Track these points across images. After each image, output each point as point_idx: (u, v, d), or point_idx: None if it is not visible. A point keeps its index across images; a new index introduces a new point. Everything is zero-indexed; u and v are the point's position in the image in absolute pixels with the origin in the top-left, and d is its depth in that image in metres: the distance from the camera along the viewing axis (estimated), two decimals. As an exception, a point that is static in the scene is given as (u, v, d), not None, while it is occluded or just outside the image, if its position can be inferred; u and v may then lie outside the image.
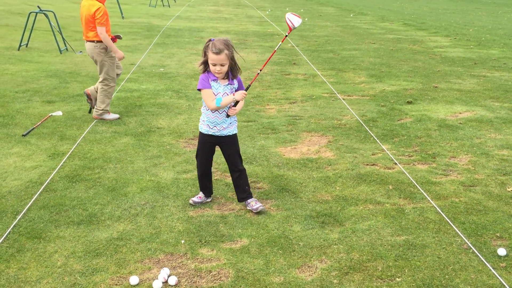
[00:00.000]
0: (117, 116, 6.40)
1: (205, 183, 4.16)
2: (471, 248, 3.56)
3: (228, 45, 3.66)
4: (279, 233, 3.72)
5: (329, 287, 3.10)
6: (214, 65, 3.66)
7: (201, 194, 4.19)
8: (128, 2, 25.47)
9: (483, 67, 10.67)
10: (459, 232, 3.77)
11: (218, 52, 3.60)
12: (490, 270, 3.30)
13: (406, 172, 4.88)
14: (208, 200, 4.22)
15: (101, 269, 3.22)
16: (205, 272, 3.23)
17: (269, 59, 4.25)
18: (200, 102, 7.37)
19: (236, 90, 3.86)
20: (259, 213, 3.98)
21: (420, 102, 7.56)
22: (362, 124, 6.39)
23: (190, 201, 4.13)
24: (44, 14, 11.15)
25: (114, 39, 6.26)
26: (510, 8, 30.41)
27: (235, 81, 3.86)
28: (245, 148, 5.49)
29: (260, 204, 4.02)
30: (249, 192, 4.08)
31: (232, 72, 3.78)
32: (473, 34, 16.51)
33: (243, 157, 5.18)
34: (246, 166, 4.96)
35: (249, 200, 4.06)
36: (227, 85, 3.80)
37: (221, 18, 20.82)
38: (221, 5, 29.22)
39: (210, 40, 3.67)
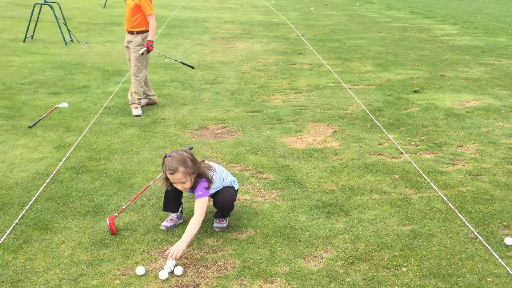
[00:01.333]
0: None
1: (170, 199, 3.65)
2: (478, 238, 3.54)
3: (184, 161, 3.27)
4: (285, 223, 3.72)
5: (335, 277, 3.09)
6: (175, 183, 3.37)
7: (171, 216, 3.69)
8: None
9: (490, 55, 10.56)
10: (466, 222, 3.75)
11: (173, 172, 3.28)
12: (497, 259, 3.28)
13: (412, 162, 4.85)
14: (181, 220, 3.72)
15: (107, 260, 3.24)
16: (211, 262, 3.24)
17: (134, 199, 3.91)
18: (205, 93, 7.37)
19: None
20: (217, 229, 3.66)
21: (426, 91, 7.51)
22: (368, 114, 6.35)
23: (162, 227, 3.62)
24: (49, 5, 11.14)
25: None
26: (518, -5, 30.02)
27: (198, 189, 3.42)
28: (250, 138, 5.48)
29: (224, 226, 3.66)
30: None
31: (195, 186, 3.40)
32: (480, 21, 16.33)
33: (248, 147, 5.18)
34: (251, 157, 4.96)
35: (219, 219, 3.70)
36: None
37: (226, 8, 20.72)
38: (226, -5, 29.05)
39: (166, 156, 3.34)
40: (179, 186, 3.40)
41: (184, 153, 3.36)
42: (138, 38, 6.18)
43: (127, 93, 6.60)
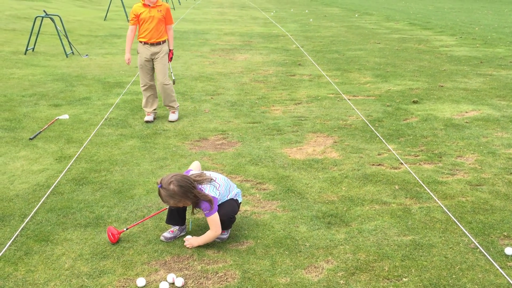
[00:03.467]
0: (148, 118, 6.48)
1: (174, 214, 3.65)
2: (478, 248, 3.54)
3: (172, 195, 3.27)
4: (285, 234, 3.72)
5: (335, 288, 3.09)
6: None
7: (173, 227, 3.70)
8: (132, 5, 25.57)
9: (489, 65, 10.62)
10: (466, 232, 3.76)
11: (167, 203, 3.39)
12: (497, 269, 3.29)
13: (412, 172, 4.86)
14: (183, 233, 3.73)
15: (108, 271, 3.24)
16: (211, 273, 3.24)
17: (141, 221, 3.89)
18: (205, 104, 7.40)
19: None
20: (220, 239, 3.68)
21: (426, 102, 7.54)
22: (367, 124, 6.38)
23: (162, 238, 3.63)
24: (50, 18, 11.22)
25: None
26: (516, 6, 30.23)
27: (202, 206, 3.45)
28: (250, 149, 5.49)
29: (225, 237, 3.67)
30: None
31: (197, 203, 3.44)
32: (479, 32, 16.44)
33: (248, 158, 5.20)
34: (251, 168, 4.97)
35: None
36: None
37: (226, 20, 20.85)
38: (226, 7, 29.27)
39: (158, 186, 3.34)
40: (180, 205, 3.45)
41: (171, 185, 3.27)
42: (165, 47, 6.37)
43: (127, 104, 6.62)
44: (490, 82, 8.96)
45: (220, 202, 3.55)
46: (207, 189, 3.44)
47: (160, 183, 3.33)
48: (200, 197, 3.37)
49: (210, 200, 3.39)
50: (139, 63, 6.35)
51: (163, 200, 3.39)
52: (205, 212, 3.42)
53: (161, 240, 3.61)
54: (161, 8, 6.22)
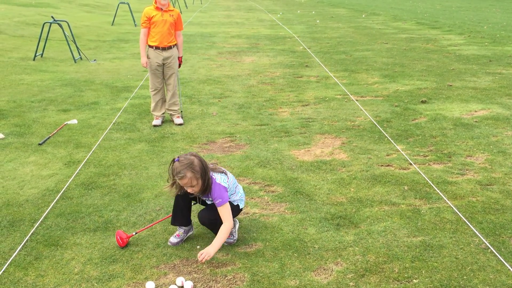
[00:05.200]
0: (156, 122, 6.52)
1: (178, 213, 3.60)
2: (489, 248, 3.50)
3: (191, 165, 3.23)
4: (294, 236, 3.71)
5: (345, 290, 3.07)
6: (184, 186, 3.35)
7: (178, 231, 3.66)
8: (140, 9, 25.71)
9: (498, 64, 10.53)
10: (477, 232, 3.72)
11: (181, 177, 3.24)
12: (509, 269, 3.25)
13: (421, 172, 4.83)
14: (191, 232, 3.71)
15: (117, 275, 3.25)
16: (220, 276, 3.24)
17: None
18: (213, 107, 7.41)
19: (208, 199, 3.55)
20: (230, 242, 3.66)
21: (434, 101, 7.49)
22: (376, 125, 6.35)
23: (169, 243, 3.62)
24: (58, 24, 11.31)
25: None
26: (525, 4, 29.99)
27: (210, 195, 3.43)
28: (258, 151, 5.49)
29: (231, 241, 3.63)
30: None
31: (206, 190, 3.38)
32: (487, 31, 16.31)
33: (256, 161, 5.19)
34: (260, 170, 4.96)
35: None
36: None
37: (233, 22, 20.89)
38: (233, 9, 29.33)
39: (173, 161, 3.31)
40: (189, 190, 3.34)
41: (192, 157, 3.29)
42: (175, 52, 6.44)
43: (135, 108, 6.64)
44: (499, 80, 8.88)
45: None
46: (218, 178, 3.40)
47: (176, 158, 3.30)
48: (207, 185, 3.32)
49: (221, 189, 3.34)
50: (150, 68, 6.37)
51: (175, 175, 3.25)
52: (216, 202, 3.35)
53: (168, 245, 3.60)
54: (173, 13, 6.27)
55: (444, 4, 30.59)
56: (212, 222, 3.50)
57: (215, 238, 3.33)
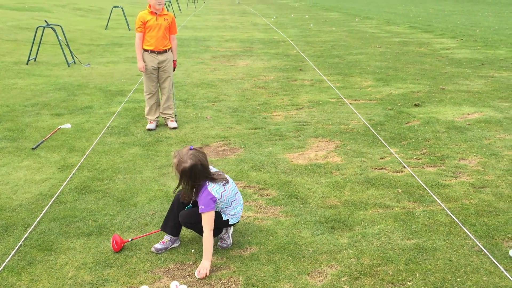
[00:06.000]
0: (150, 126, 6.52)
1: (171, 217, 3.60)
2: (482, 250, 3.52)
3: (200, 157, 3.32)
4: (288, 240, 3.71)
5: (339, 293, 3.08)
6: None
7: (165, 238, 3.63)
8: (134, 13, 25.69)
9: (490, 67, 10.61)
10: (470, 234, 3.74)
11: (173, 163, 3.37)
12: (502, 272, 3.27)
13: (415, 175, 4.85)
14: (176, 244, 3.65)
15: (111, 280, 3.24)
16: (215, 280, 3.23)
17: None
18: (207, 111, 7.41)
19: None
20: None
21: (427, 105, 7.53)
22: (369, 128, 6.37)
23: (152, 249, 3.58)
24: (52, 28, 11.28)
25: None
26: (516, 8, 30.25)
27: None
28: (252, 155, 5.49)
29: (225, 245, 3.65)
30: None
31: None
32: (479, 34, 16.44)
33: (251, 164, 5.20)
34: (254, 173, 4.97)
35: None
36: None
37: (227, 26, 20.92)
38: (227, 13, 29.38)
39: (190, 147, 3.40)
40: (190, 182, 3.34)
41: (194, 157, 3.31)
42: (170, 55, 6.46)
43: (129, 112, 6.63)
44: (492, 84, 8.95)
45: (218, 209, 3.50)
46: (212, 186, 3.37)
47: (191, 147, 3.39)
48: (201, 189, 3.35)
49: (208, 197, 3.33)
50: (145, 72, 6.37)
51: (195, 164, 3.28)
52: (200, 207, 3.34)
53: (151, 251, 3.56)
54: (167, 17, 6.28)
55: (437, 8, 30.79)
56: (192, 226, 3.50)
57: (203, 251, 3.33)
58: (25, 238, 3.74)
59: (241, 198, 3.66)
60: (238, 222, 3.65)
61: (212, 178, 3.41)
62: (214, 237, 3.50)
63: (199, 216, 3.38)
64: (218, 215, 3.49)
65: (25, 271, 3.34)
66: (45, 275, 3.29)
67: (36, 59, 11.49)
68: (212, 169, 3.52)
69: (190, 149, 3.36)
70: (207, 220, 3.34)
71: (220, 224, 3.52)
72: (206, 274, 3.24)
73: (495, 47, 13.54)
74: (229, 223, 3.56)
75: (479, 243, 3.62)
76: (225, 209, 3.52)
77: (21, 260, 3.47)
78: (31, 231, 3.84)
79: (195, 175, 3.32)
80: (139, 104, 7.68)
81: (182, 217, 3.52)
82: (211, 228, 3.35)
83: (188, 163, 3.29)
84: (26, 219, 4.05)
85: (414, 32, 17.78)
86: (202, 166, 3.33)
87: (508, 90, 8.38)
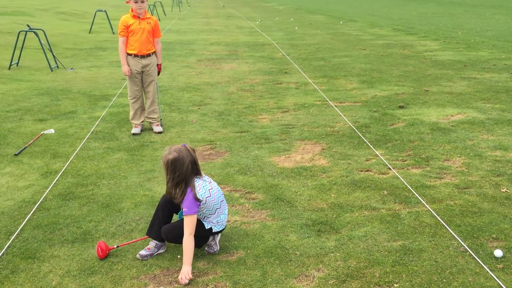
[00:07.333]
0: (135, 131, 6.46)
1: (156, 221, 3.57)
2: (467, 251, 3.55)
3: (190, 154, 3.36)
4: (275, 243, 3.70)
5: (327, 296, 3.07)
6: None
7: (150, 244, 3.58)
8: (117, 17, 25.53)
9: (473, 69, 10.74)
10: (455, 235, 3.77)
11: (163, 157, 3.37)
12: (487, 272, 3.29)
13: (400, 177, 4.88)
14: (162, 250, 3.60)
15: (96, 287, 3.19)
16: (202, 285, 3.21)
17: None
18: (193, 114, 7.38)
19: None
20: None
21: (412, 106, 7.59)
22: (355, 131, 6.40)
23: (137, 256, 3.53)
24: (34, 32, 11.15)
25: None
26: (498, 10, 30.71)
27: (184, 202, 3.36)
28: (238, 159, 5.48)
29: (212, 251, 3.61)
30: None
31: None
32: (462, 36, 16.64)
33: (237, 168, 5.18)
34: (240, 177, 4.95)
35: None
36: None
37: (212, 30, 20.89)
38: (212, 17, 29.35)
39: (183, 145, 3.44)
40: (177, 181, 3.33)
41: (184, 154, 3.32)
42: (154, 59, 6.41)
43: (114, 117, 6.57)
44: (474, 85, 9.06)
45: (201, 215, 3.46)
46: (200, 186, 3.37)
47: (184, 144, 3.41)
48: (186, 190, 3.32)
49: (193, 199, 3.31)
50: (128, 76, 6.31)
51: (178, 157, 3.28)
52: (183, 209, 3.31)
53: (136, 258, 3.51)
54: (150, 20, 6.24)
55: (420, 11, 31.12)
56: (175, 240, 3.46)
57: (183, 255, 3.29)
58: (8, 246, 3.67)
59: (227, 207, 3.62)
60: (223, 229, 3.62)
61: (197, 179, 3.40)
62: (200, 247, 3.50)
63: (181, 230, 3.35)
64: (200, 223, 3.45)
65: (8, 280, 3.28)
66: (28, 284, 3.23)
67: (19, 64, 11.34)
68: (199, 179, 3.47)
69: (183, 146, 3.39)
70: (188, 224, 3.31)
71: (203, 232, 3.49)
72: (190, 279, 3.21)
73: (477, 49, 13.72)
74: (213, 231, 3.52)
75: (464, 243, 3.65)
76: (209, 216, 3.49)
77: (4, 268, 3.40)
78: (13, 239, 3.78)
79: (176, 169, 3.29)
80: (124, 109, 7.62)
81: (164, 233, 3.48)
82: (192, 232, 3.31)
83: (171, 155, 3.31)
84: (8, 227, 3.98)
85: (397, 35, 17.94)
86: (188, 162, 3.32)
87: (491, 91, 8.49)
